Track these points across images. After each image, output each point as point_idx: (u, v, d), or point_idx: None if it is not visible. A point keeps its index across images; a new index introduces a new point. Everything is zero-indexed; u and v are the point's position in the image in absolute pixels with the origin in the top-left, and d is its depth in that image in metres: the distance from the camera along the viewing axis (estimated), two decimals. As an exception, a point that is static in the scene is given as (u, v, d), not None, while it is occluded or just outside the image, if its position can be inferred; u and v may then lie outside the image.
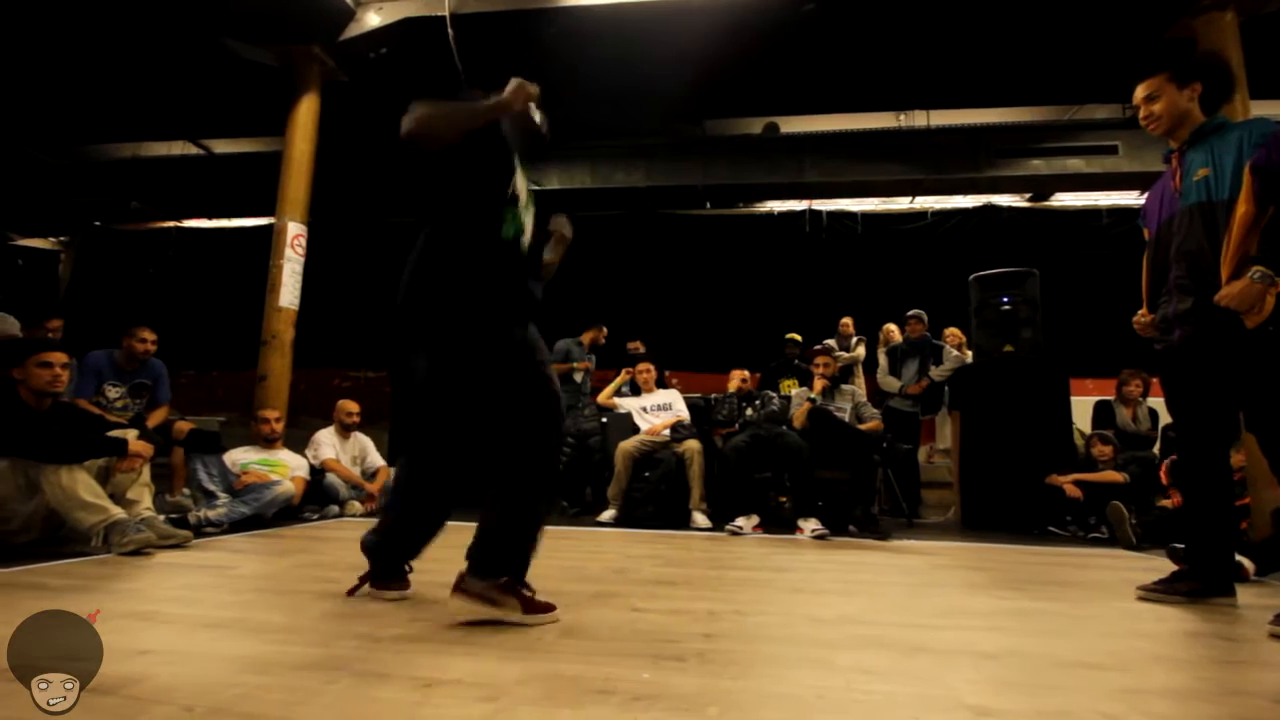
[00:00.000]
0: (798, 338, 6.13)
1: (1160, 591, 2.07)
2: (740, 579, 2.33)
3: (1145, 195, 2.30)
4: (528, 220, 1.85)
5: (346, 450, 4.47)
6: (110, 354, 3.98)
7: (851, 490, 3.93)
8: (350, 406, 4.54)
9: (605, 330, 5.58)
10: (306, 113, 5.58)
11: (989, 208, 7.76)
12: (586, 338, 5.49)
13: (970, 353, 5.29)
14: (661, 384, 5.08)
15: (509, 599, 1.58)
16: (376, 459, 4.59)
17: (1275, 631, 1.65)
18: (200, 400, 8.36)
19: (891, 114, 7.22)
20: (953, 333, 5.65)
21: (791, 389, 5.33)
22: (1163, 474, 3.83)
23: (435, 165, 1.75)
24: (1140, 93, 2.13)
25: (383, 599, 1.80)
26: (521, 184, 1.83)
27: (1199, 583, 2.03)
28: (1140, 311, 2.23)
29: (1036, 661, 1.40)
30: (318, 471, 4.19)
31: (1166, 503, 3.86)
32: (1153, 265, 2.17)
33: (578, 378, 5.17)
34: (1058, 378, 4.60)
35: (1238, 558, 2.32)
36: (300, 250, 5.45)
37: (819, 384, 4.21)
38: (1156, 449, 4.57)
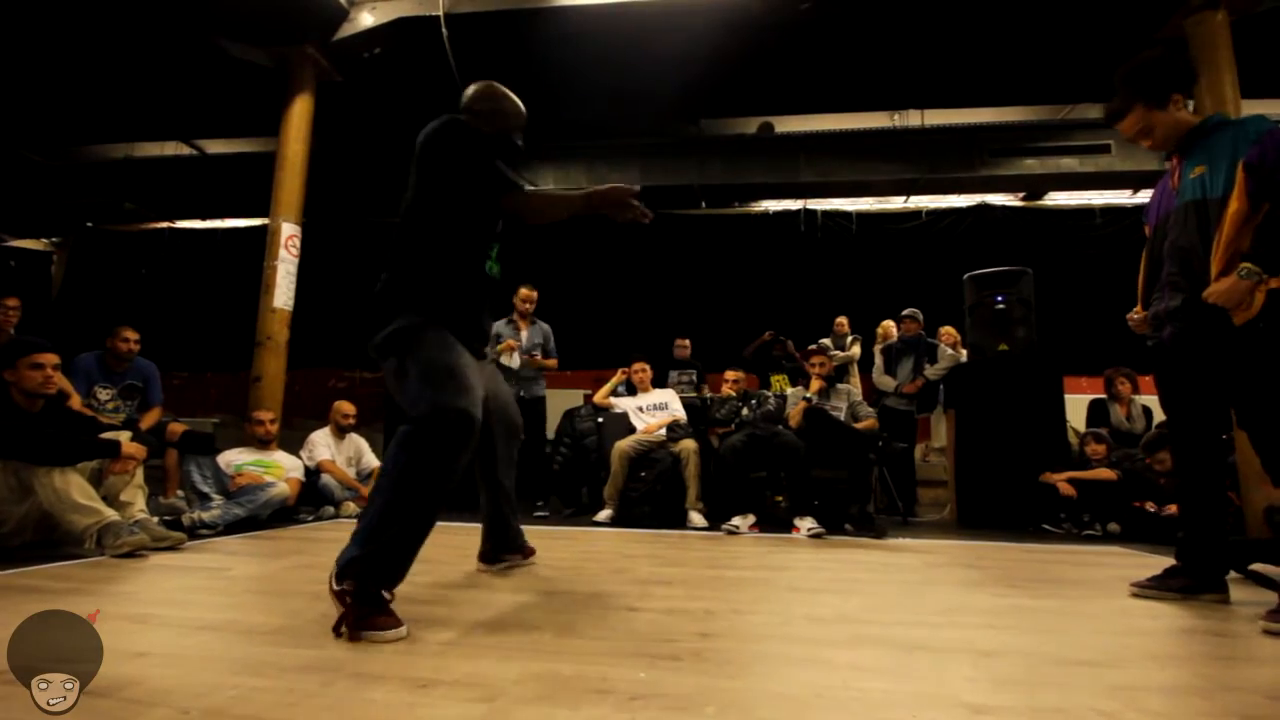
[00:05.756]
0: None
1: (1153, 588, 2.08)
2: (737, 578, 2.33)
3: (1150, 193, 2.28)
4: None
5: (342, 451, 4.45)
6: (99, 356, 3.96)
7: (847, 489, 3.94)
8: (346, 408, 4.52)
9: (526, 291, 4.78)
10: (300, 113, 5.56)
11: (983, 207, 7.79)
12: (518, 306, 4.80)
13: (965, 351, 5.31)
14: (658, 384, 5.07)
15: (337, 605, 1.49)
16: (372, 460, 4.58)
17: (1268, 628, 1.66)
18: (194, 402, 8.34)
19: (886, 114, 7.24)
20: (948, 331, 5.67)
21: (784, 386, 5.34)
22: None
23: (444, 191, 1.81)
24: (1130, 130, 2.09)
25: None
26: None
27: (1191, 579, 2.03)
28: (1135, 309, 2.23)
29: (1032, 659, 1.41)
30: (313, 473, 4.18)
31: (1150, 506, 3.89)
32: (1150, 262, 2.16)
33: (506, 360, 4.54)
34: (1052, 376, 4.62)
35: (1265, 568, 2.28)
36: (294, 251, 5.43)
37: (816, 384, 4.21)
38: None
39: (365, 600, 1.47)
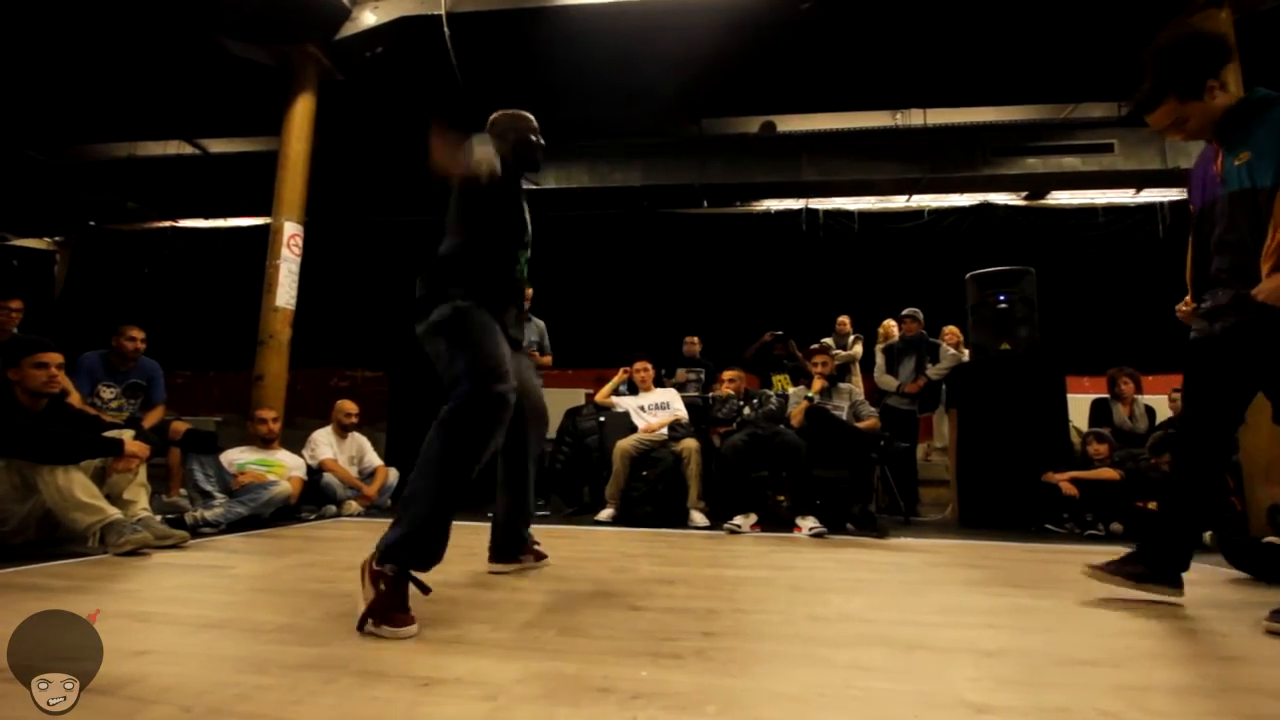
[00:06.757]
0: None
1: (1107, 571, 2.03)
2: (738, 577, 2.33)
3: (1192, 166, 2.11)
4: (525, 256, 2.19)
5: (344, 450, 4.46)
6: (103, 355, 3.97)
7: (849, 488, 3.93)
8: (349, 407, 4.53)
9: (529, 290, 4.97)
10: (302, 112, 5.57)
11: (985, 206, 7.78)
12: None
13: (967, 351, 5.30)
14: (667, 379, 5.04)
15: (370, 589, 1.52)
16: (374, 459, 4.59)
17: (1272, 628, 1.65)
18: (197, 400, 8.35)
19: (888, 113, 7.24)
20: (951, 331, 5.65)
21: (785, 385, 5.33)
22: None
23: (474, 211, 2.01)
24: (1162, 123, 1.94)
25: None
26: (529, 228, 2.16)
27: (1147, 568, 1.98)
28: (1185, 299, 2.11)
29: (1035, 659, 1.40)
30: (315, 471, 4.18)
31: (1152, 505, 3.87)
32: (1197, 251, 2.05)
33: None
34: (1054, 376, 4.61)
35: None
36: (296, 250, 5.43)
37: (817, 383, 4.21)
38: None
39: (397, 590, 1.52)
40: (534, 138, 2.20)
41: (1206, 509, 2.01)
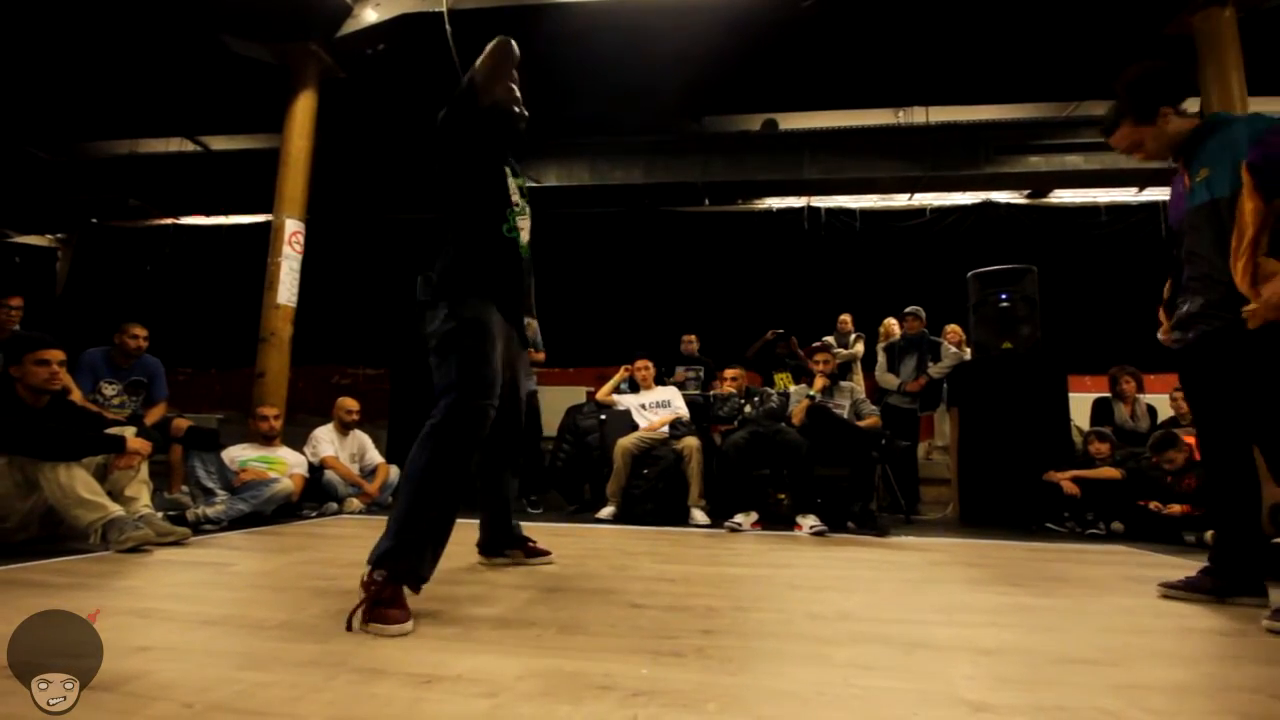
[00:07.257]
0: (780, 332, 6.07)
1: (1184, 589, 2.04)
2: (739, 575, 2.33)
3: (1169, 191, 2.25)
4: (522, 223, 2.06)
5: (345, 448, 4.47)
6: (106, 351, 3.98)
7: (850, 487, 3.93)
8: (350, 404, 4.53)
9: None
10: (304, 109, 5.57)
11: (988, 204, 7.75)
12: None
13: (969, 349, 5.30)
14: (665, 377, 5.03)
15: (362, 591, 1.53)
16: (375, 456, 4.59)
17: (1272, 627, 1.65)
18: (199, 397, 8.36)
19: (890, 110, 7.22)
20: (953, 329, 5.65)
21: (787, 384, 5.34)
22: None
23: (446, 173, 1.93)
24: (1121, 144, 2.09)
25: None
26: (515, 190, 2.05)
27: (1223, 580, 1.99)
28: (1163, 328, 2.18)
29: (1034, 657, 1.40)
30: (316, 469, 4.19)
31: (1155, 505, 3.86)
32: (1173, 265, 2.14)
33: None
34: (1056, 375, 4.61)
35: None
36: (298, 247, 5.44)
37: (819, 381, 4.21)
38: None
39: (384, 592, 1.52)
40: (516, 108, 2.07)
41: (1255, 507, 2.02)
